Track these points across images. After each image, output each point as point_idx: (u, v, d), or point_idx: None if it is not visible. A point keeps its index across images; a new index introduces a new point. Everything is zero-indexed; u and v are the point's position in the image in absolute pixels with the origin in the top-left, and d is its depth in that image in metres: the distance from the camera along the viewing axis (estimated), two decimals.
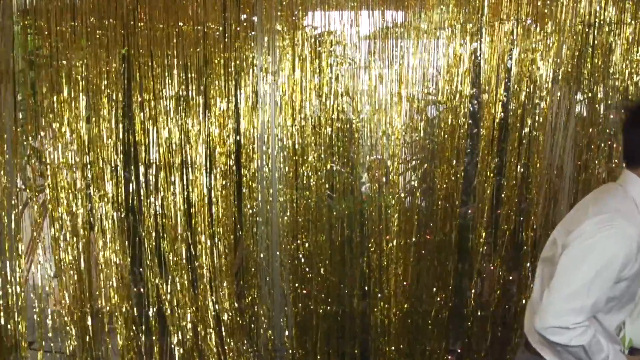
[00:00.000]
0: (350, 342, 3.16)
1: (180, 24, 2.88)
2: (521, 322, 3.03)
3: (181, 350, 3.07)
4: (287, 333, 3.16)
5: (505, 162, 3.00)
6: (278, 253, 3.10)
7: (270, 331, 3.15)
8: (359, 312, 3.12)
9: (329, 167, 3.02)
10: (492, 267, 3.07)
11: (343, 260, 3.09)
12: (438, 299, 3.08)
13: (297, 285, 3.11)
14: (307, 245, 3.07)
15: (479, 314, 3.11)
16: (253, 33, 2.95)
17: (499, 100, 2.95)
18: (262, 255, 3.09)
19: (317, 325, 3.12)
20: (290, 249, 3.08)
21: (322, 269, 3.08)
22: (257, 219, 3.07)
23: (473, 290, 3.08)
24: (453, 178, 3.00)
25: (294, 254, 3.08)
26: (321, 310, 3.11)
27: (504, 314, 3.11)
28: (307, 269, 3.09)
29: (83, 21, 2.84)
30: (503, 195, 3.01)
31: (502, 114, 2.97)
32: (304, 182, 3.03)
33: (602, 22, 2.85)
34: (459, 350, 3.17)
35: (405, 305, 3.08)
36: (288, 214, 3.05)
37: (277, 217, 3.08)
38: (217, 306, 3.07)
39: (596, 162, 2.96)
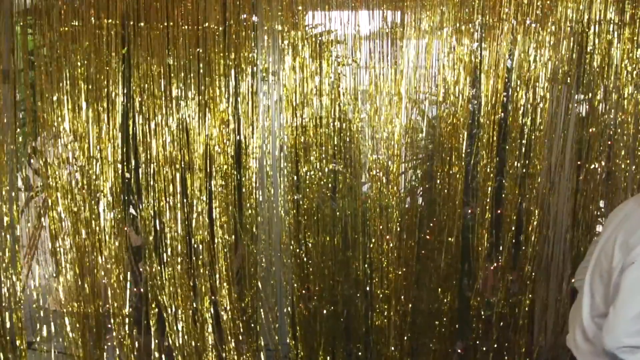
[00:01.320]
0: (353, 342, 3.16)
1: (180, 23, 2.88)
2: (523, 322, 3.07)
3: (181, 351, 3.07)
4: (289, 333, 3.16)
5: (505, 162, 3.00)
6: (279, 254, 3.10)
7: (271, 331, 3.14)
8: (362, 312, 3.12)
9: (330, 167, 3.02)
10: (492, 268, 3.07)
11: (345, 260, 3.09)
12: (443, 299, 3.08)
13: (298, 285, 3.11)
14: (309, 245, 3.07)
15: (482, 314, 3.10)
16: (253, 33, 2.95)
17: (499, 100, 2.95)
18: (262, 257, 3.09)
19: (320, 325, 3.12)
20: (292, 249, 3.07)
21: (325, 269, 3.08)
22: (258, 219, 3.06)
23: (475, 291, 3.08)
24: (453, 178, 3.00)
25: (295, 253, 3.08)
26: (325, 311, 3.11)
27: (507, 314, 3.11)
28: (310, 269, 3.09)
29: (83, 21, 2.84)
30: (503, 196, 3.01)
31: (502, 114, 2.97)
32: (305, 182, 3.03)
33: (602, 22, 2.85)
34: (459, 351, 3.17)
35: (410, 306, 3.07)
36: (290, 214, 3.05)
37: (278, 217, 3.07)
38: (217, 306, 3.07)
39: (596, 162, 2.96)
